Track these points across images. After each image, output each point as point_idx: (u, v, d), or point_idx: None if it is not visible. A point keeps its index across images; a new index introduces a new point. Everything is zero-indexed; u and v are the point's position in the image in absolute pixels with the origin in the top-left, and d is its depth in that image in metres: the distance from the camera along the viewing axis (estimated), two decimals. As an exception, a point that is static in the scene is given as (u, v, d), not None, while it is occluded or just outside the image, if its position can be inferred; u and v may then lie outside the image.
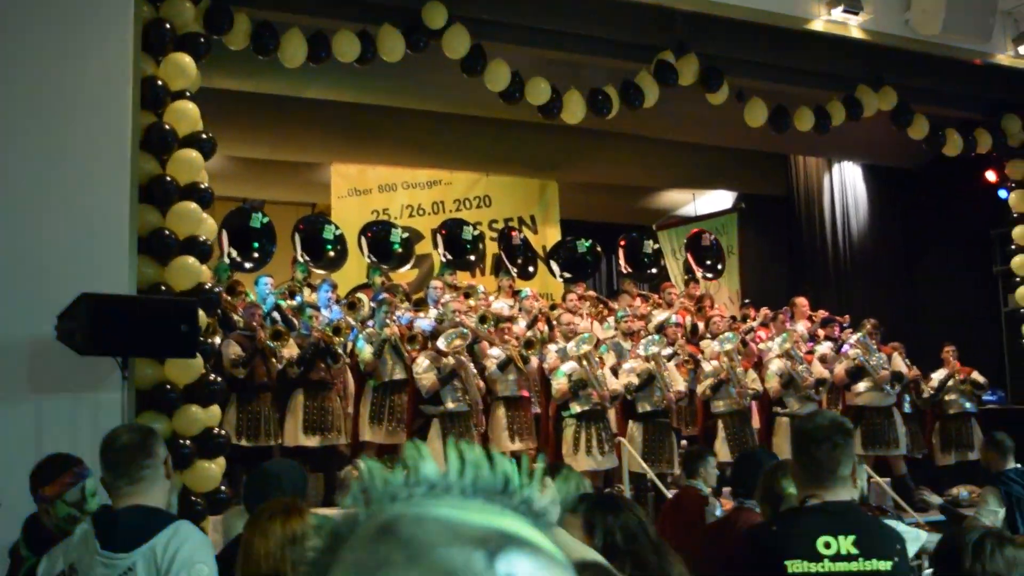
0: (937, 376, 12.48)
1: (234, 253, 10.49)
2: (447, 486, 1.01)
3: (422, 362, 9.80)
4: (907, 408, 12.09)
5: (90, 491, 4.26)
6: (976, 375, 12.43)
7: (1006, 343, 14.30)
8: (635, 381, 10.58)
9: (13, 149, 7.37)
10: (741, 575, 3.56)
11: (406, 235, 12.41)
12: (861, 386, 11.64)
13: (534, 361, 10.54)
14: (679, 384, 10.84)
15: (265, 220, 10.81)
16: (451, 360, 9.77)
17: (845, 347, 11.89)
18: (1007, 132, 13.13)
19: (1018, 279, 13.29)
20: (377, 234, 12.12)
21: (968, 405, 12.41)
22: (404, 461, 1.02)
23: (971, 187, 14.36)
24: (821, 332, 12.65)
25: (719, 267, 14.21)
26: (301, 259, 11.40)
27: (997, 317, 14.52)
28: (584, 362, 10.18)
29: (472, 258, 12.90)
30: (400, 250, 12.16)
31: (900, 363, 11.92)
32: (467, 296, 11.34)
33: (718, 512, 6.65)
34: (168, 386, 7.83)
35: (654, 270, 13.66)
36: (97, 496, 4.25)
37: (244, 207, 11.73)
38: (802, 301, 12.92)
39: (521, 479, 1.03)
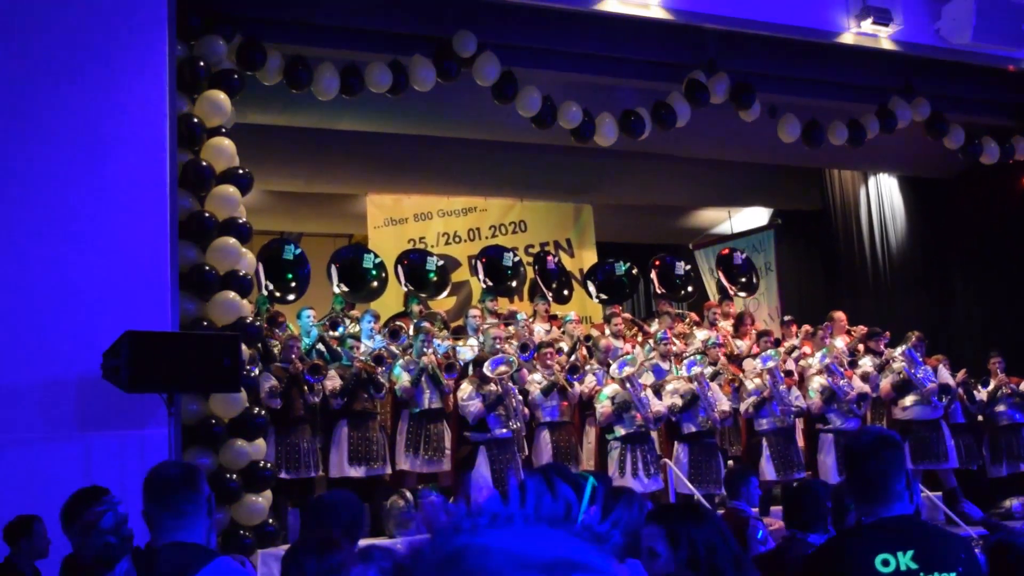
0: (986, 387, 12.33)
1: (271, 286, 10.55)
2: (509, 515, 1.00)
3: (466, 388, 9.79)
4: (960, 418, 11.92)
5: (122, 519, 4.28)
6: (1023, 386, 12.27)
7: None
8: (679, 402, 10.53)
9: (54, 189, 7.47)
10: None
11: (441, 263, 12.42)
12: (908, 400, 11.49)
13: (577, 387, 10.51)
14: (724, 404, 10.77)
15: (298, 252, 10.85)
16: (496, 387, 9.75)
17: (888, 364, 11.76)
18: (1043, 138, 13.03)
19: (1060, 285, 13.13)
20: (412, 262, 12.14)
21: (1018, 416, 12.24)
22: (463, 492, 1.02)
23: (1009, 195, 14.23)
24: (861, 347, 12.53)
25: (753, 284, 14.13)
26: (338, 290, 11.43)
27: (1040, 325, 14.34)
28: (627, 384, 10.14)
29: (513, 284, 12.89)
30: (436, 278, 12.16)
31: (946, 375, 11.78)
32: (507, 324, 11.30)
33: (760, 534, 6.57)
34: (213, 420, 7.88)
35: (688, 290, 13.59)
36: (127, 525, 4.28)
37: (280, 239, 11.79)
38: (840, 316, 12.81)
39: (583, 504, 1.03)
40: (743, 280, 13.96)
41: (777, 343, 11.94)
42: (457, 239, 14.70)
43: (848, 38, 10.81)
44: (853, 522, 3.95)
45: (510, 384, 9.87)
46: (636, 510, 3.46)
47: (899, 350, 11.69)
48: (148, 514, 3.46)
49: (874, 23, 10.67)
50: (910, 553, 3.20)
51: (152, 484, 3.47)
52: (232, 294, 8.12)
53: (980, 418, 12.32)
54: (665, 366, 11.15)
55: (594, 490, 1.10)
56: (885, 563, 3.20)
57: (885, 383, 11.64)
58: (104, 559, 4.16)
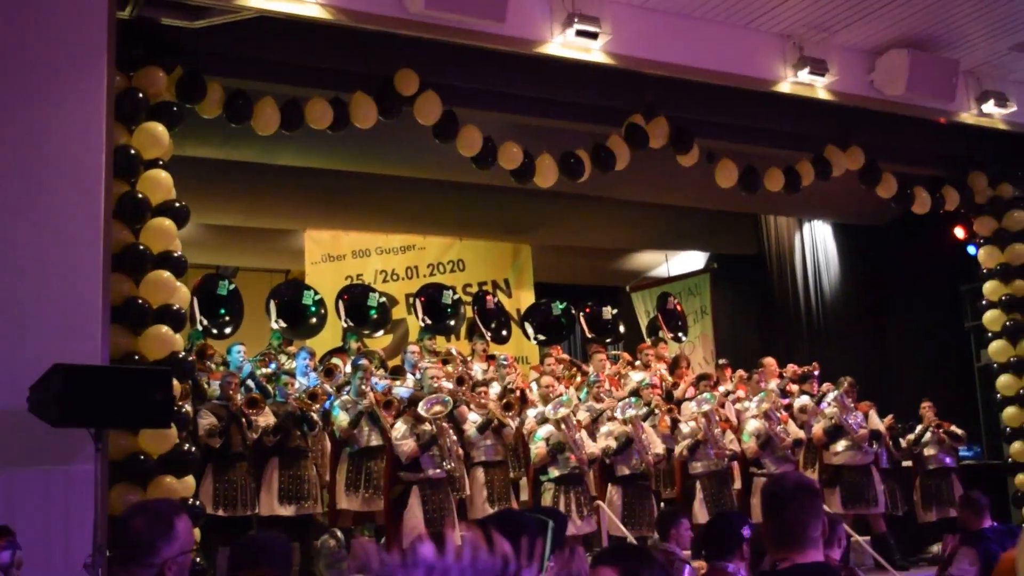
0: (915, 431, 12.50)
1: (205, 321, 10.44)
2: (445, 569, 0.99)
3: (400, 427, 9.71)
4: (884, 463, 12.06)
5: (19, 561, 4.21)
6: (954, 427, 12.44)
7: (980, 398, 14.37)
8: (613, 444, 10.55)
9: (-15, 219, 7.33)
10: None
11: (383, 299, 12.37)
12: (839, 445, 11.61)
13: (511, 425, 10.49)
14: (657, 447, 10.80)
15: (232, 287, 10.77)
16: (430, 426, 9.69)
17: (823, 404, 11.88)
18: (974, 189, 13.32)
19: (990, 334, 13.36)
20: (354, 298, 12.08)
21: (947, 460, 12.40)
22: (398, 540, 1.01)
23: (940, 243, 14.52)
24: (794, 387, 12.67)
25: (683, 331, 14.29)
26: (276, 326, 11.34)
27: (970, 372, 14.61)
28: (562, 426, 10.14)
29: (452, 323, 12.87)
30: (377, 315, 12.11)
31: (877, 421, 11.93)
32: (445, 363, 11.26)
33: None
34: (142, 456, 7.74)
35: (615, 335, 13.67)
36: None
37: (215, 274, 11.68)
38: (769, 361, 12.96)
39: (519, 561, 1.02)
40: (679, 323, 14.11)
41: (715, 386, 12.02)
42: (395, 277, 14.68)
43: (785, 87, 10.99)
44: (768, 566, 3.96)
45: (446, 425, 9.81)
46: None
47: (831, 395, 11.82)
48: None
49: (810, 73, 10.85)
50: (821, 601, 3.22)
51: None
52: (165, 328, 8.01)
53: (909, 463, 12.47)
54: (599, 406, 11.15)
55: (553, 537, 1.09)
56: (798, 608, 3.21)
57: (817, 428, 11.75)
58: None
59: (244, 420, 9.43)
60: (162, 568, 3.18)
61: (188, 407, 8.99)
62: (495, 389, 11.16)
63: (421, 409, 9.69)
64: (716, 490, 10.91)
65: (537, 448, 10.19)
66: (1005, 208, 13.35)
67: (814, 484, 3.50)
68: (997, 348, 13.24)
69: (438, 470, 9.65)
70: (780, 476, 3.82)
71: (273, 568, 3.86)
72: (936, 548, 11.68)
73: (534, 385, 11.34)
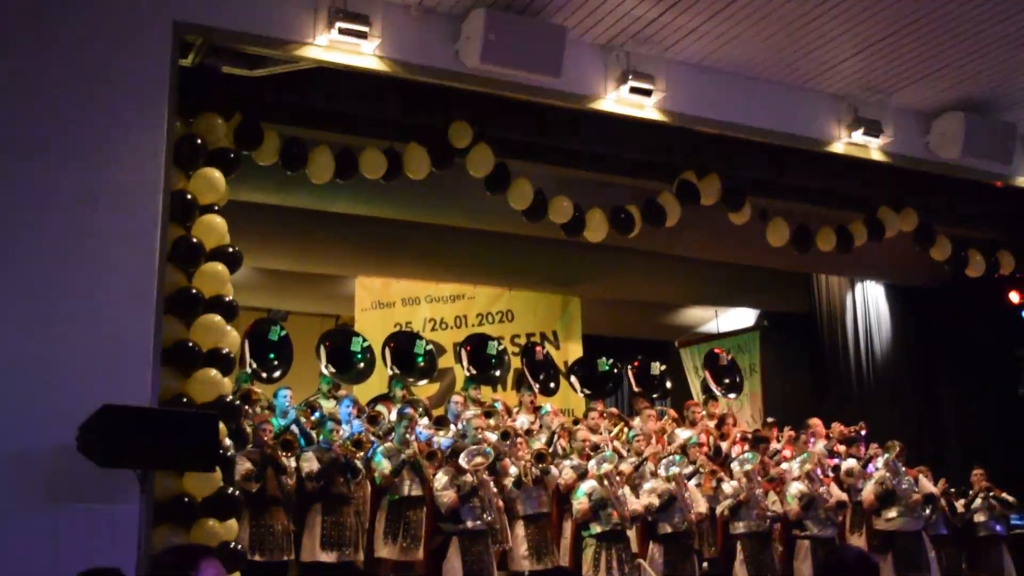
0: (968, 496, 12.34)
1: (254, 365, 10.53)
2: None
3: (441, 478, 9.71)
4: (943, 530, 11.88)
5: None
6: (1005, 495, 12.25)
7: (1033, 465, 14.11)
8: (656, 502, 10.46)
9: (43, 256, 7.44)
10: None
11: (430, 347, 12.41)
12: (892, 511, 11.46)
13: (553, 471, 10.45)
14: (700, 506, 10.70)
15: (283, 333, 10.86)
16: (471, 478, 9.68)
17: (871, 468, 11.73)
18: (1029, 254, 13.15)
19: (1044, 400, 13.17)
20: (400, 345, 12.14)
21: (998, 528, 12.20)
22: None
23: (994, 307, 14.35)
24: (841, 448, 12.53)
25: (737, 385, 14.17)
26: (326, 371, 11.41)
27: (1023, 439, 14.35)
28: (605, 481, 10.08)
29: (497, 373, 12.88)
30: (423, 363, 12.15)
31: (928, 485, 11.77)
32: (488, 415, 11.24)
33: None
34: (186, 499, 7.78)
35: (662, 391, 13.62)
36: None
37: (267, 318, 11.79)
38: (816, 422, 12.82)
39: None
40: (728, 380, 14.00)
41: (763, 441, 11.91)
42: (444, 325, 14.72)
43: (839, 147, 10.94)
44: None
45: (485, 476, 9.79)
46: None
47: (881, 460, 11.68)
48: None
49: (865, 134, 10.80)
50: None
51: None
52: (214, 371, 8.08)
53: (959, 527, 12.28)
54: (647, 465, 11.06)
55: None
56: None
57: (868, 494, 11.59)
58: None
59: (279, 464, 9.44)
60: None
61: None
62: (539, 441, 11.12)
63: (462, 460, 9.69)
64: (757, 551, 10.79)
65: (579, 504, 10.14)
66: (1059, 273, 13.17)
67: (873, 559, 3.50)
68: (1051, 414, 13.05)
69: (478, 522, 9.62)
70: (841, 549, 3.81)
71: None
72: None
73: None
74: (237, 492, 8.46)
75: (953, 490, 12.31)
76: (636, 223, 10.89)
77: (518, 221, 10.74)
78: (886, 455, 11.73)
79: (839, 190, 11.82)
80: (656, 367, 13.55)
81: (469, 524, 9.59)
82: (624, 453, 11.26)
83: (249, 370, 10.39)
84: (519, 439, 10.68)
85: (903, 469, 11.62)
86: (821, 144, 10.91)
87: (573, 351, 15.04)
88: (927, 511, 11.60)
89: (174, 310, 8.00)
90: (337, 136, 9.67)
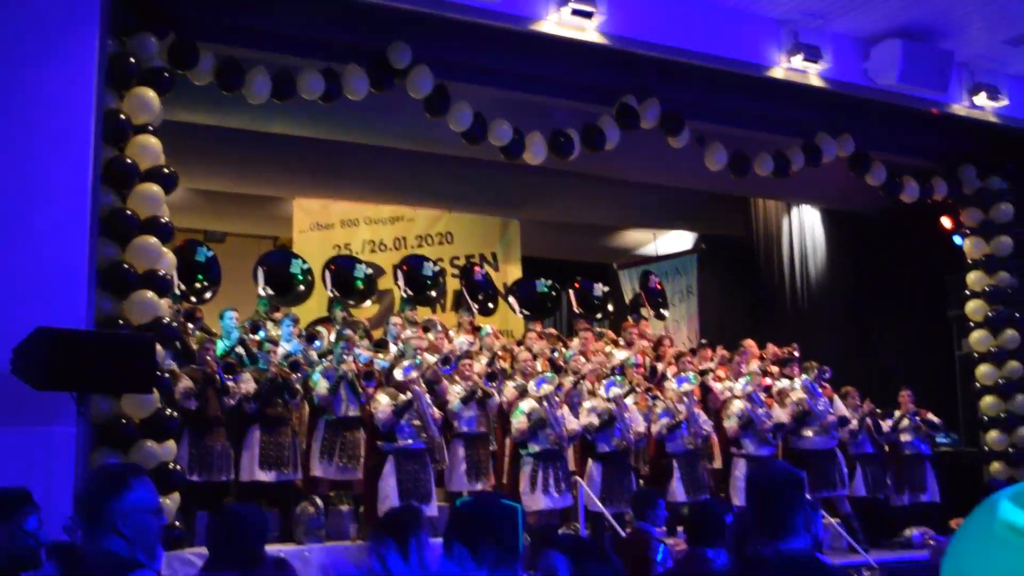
0: (894, 416, 12.63)
1: (183, 287, 10.47)
2: None
3: (382, 399, 9.76)
4: (868, 448, 12.18)
5: (41, 523, 4.31)
6: (931, 416, 12.57)
7: (960, 387, 14.48)
8: (595, 422, 10.60)
9: (-27, 180, 7.34)
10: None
11: (369, 270, 12.39)
12: (808, 431, 11.76)
13: (496, 397, 10.55)
14: (639, 425, 10.87)
15: (210, 254, 10.81)
16: (406, 395, 9.73)
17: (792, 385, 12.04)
18: (962, 180, 13.37)
19: (972, 324, 13.46)
20: (340, 268, 12.11)
21: (923, 447, 12.54)
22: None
23: (927, 233, 14.58)
24: (775, 369, 12.77)
25: (665, 310, 14.40)
26: (264, 293, 11.37)
27: (951, 361, 14.71)
28: (544, 402, 10.20)
29: (433, 294, 12.91)
30: (363, 285, 12.14)
31: (841, 406, 12.05)
32: (426, 330, 11.33)
33: (659, 556, 6.70)
34: (124, 420, 7.79)
35: (603, 312, 13.75)
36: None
37: (194, 241, 11.68)
38: (750, 343, 13.01)
39: None
40: (660, 301, 14.24)
41: (696, 365, 12.10)
42: (383, 247, 14.69)
43: (778, 73, 11.00)
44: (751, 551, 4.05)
45: (421, 389, 9.82)
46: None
47: (799, 381, 11.95)
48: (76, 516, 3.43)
49: (804, 60, 10.88)
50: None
51: (81, 491, 3.43)
52: (150, 293, 8.04)
53: (886, 448, 12.60)
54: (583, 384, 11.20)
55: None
56: (784, 595, 3.30)
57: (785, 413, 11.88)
58: (27, 560, 4.22)
59: (220, 385, 9.45)
60: (113, 524, 3.25)
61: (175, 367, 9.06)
62: (480, 362, 11.21)
63: (397, 374, 9.73)
64: (692, 468, 11.01)
65: (518, 422, 10.25)
66: (992, 200, 13.41)
67: (800, 474, 3.60)
68: (978, 338, 13.36)
69: (413, 441, 9.69)
70: (767, 466, 3.90)
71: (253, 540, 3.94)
72: (909, 532, 11.83)
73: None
74: (175, 413, 8.48)
75: (879, 411, 12.61)
76: (576, 146, 10.90)
77: (458, 143, 10.71)
78: (804, 375, 11.99)
79: (777, 115, 11.92)
80: (599, 288, 13.66)
81: (404, 442, 9.66)
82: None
83: (178, 291, 10.26)
84: (467, 361, 10.74)
85: (820, 389, 11.91)
86: (760, 69, 10.98)
87: (512, 273, 15.10)
88: (840, 432, 11.88)
89: (109, 232, 7.94)
90: (274, 56, 9.55)
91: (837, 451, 11.82)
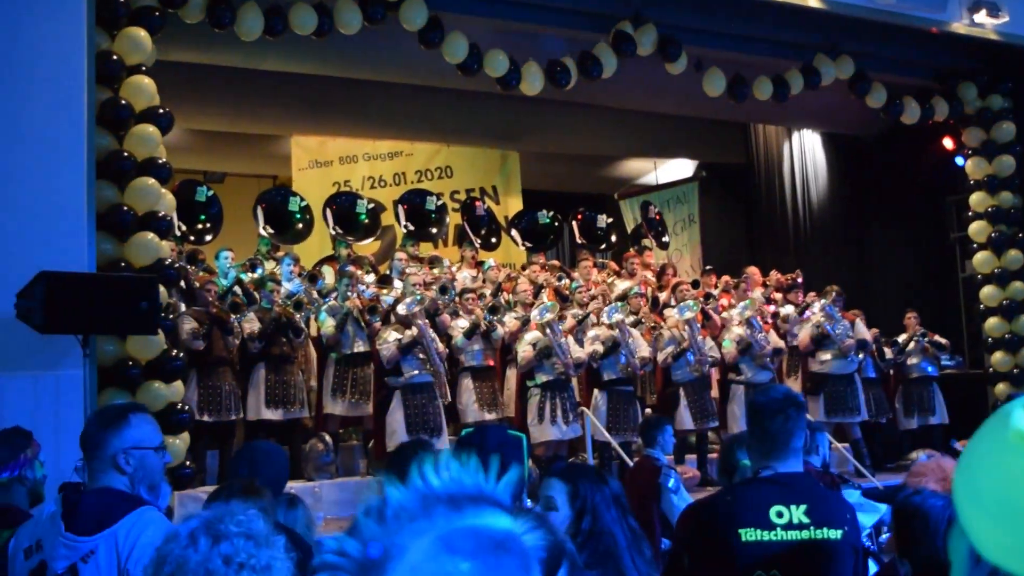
0: (899, 340, 12.64)
1: (183, 227, 10.46)
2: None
3: (387, 336, 9.78)
4: (871, 372, 12.20)
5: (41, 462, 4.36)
6: (938, 337, 12.59)
7: (963, 309, 14.48)
8: (600, 349, 10.62)
9: (-33, 126, 7.30)
10: (698, 543, 3.62)
11: (371, 206, 12.37)
12: (826, 354, 11.74)
13: (499, 330, 10.57)
14: (643, 350, 10.88)
15: (210, 193, 10.78)
16: (412, 331, 9.76)
17: (807, 314, 11.99)
18: (963, 100, 13.25)
19: (975, 245, 13.42)
20: (342, 205, 12.10)
21: (930, 369, 12.57)
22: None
23: (929, 154, 14.51)
24: (778, 296, 12.78)
25: (665, 239, 14.40)
26: (264, 232, 11.36)
27: (955, 283, 14.70)
28: (548, 331, 10.21)
29: (434, 230, 12.90)
30: (366, 221, 12.14)
31: (863, 330, 12.04)
32: (431, 266, 11.35)
33: (671, 483, 6.72)
34: (130, 363, 7.82)
35: (610, 241, 13.76)
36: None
37: (193, 181, 11.64)
38: (753, 270, 13.02)
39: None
40: (660, 231, 14.24)
41: (699, 291, 12.10)
42: (383, 183, 14.65)
43: (775, -6, 10.89)
44: (747, 475, 4.09)
45: (424, 323, 9.84)
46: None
47: (818, 304, 11.91)
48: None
49: (801, -20, 10.76)
50: (803, 508, 3.34)
51: (84, 432, 3.46)
52: (151, 235, 8.02)
53: (891, 372, 12.64)
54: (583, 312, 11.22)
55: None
56: (779, 514, 3.33)
57: (804, 336, 11.85)
58: (33, 497, 4.31)
59: (227, 325, 9.49)
60: (114, 460, 3.28)
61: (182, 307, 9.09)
62: (484, 295, 11.23)
63: (400, 309, 9.76)
64: (699, 396, 11.06)
65: (524, 352, 10.28)
66: (994, 119, 13.30)
67: (799, 397, 3.61)
68: (981, 259, 13.32)
69: (416, 372, 9.72)
70: (767, 388, 3.91)
71: (271, 477, 3.99)
72: (915, 454, 11.89)
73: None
74: (182, 354, 8.51)
75: (884, 338, 12.64)
76: (572, 75, 10.81)
77: (453, 75, 10.62)
78: (823, 300, 11.96)
79: (775, 38, 11.81)
80: (602, 219, 13.64)
81: (409, 374, 9.69)
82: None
83: (178, 232, 10.25)
84: (471, 295, 10.75)
85: (839, 314, 11.87)
86: (757, -10, 10.85)
87: (513, 206, 15.06)
88: (860, 356, 11.90)
89: (106, 174, 7.90)
90: (266, -9, 9.43)
91: (856, 376, 11.82)
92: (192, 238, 10.58)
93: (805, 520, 3.32)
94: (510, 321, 10.65)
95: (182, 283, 9.40)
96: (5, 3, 7.47)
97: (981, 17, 12.04)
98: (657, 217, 14.41)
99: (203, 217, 10.64)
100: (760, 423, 3.50)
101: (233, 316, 9.56)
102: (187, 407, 8.50)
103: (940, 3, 11.33)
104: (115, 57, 8.06)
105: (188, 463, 8.44)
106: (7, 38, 7.43)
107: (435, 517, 1.04)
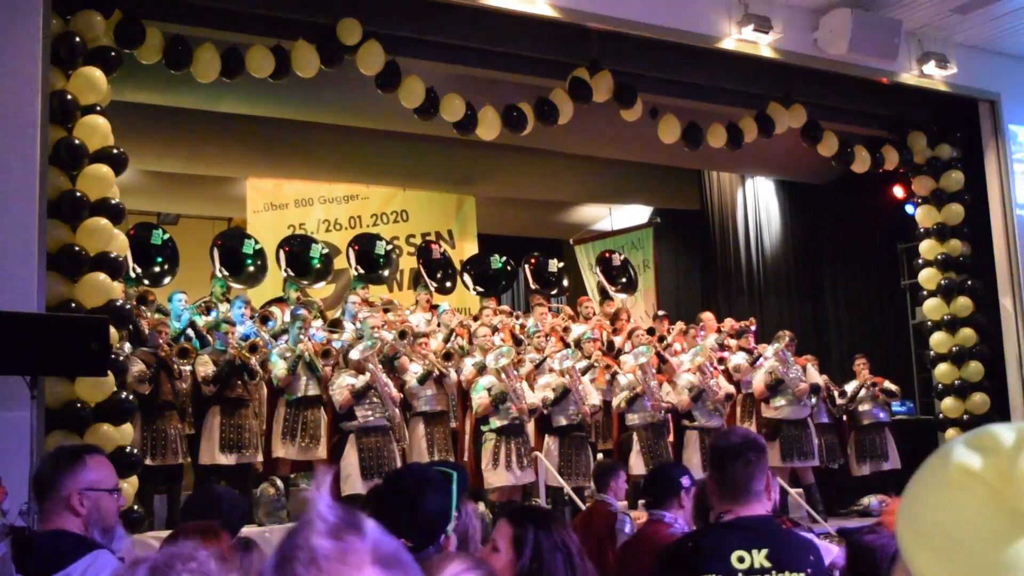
0: (850, 387, 12.71)
1: (139, 270, 10.36)
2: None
3: (340, 381, 9.71)
4: (824, 418, 12.27)
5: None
6: (888, 384, 12.68)
7: (914, 355, 14.63)
8: (550, 395, 10.62)
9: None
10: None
11: (326, 251, 12.33)
12: (780, 400, 11.79)
13: (452, 375, 10.53)
14: (593, 398, 10.89)
15: (166, 236, 10.70)
16: (365, 376, 9.70)
17: (761, 360, 12.04)
18: (913, 149, 13.47)
19: (925, 292, 13.58)
20: (295, 249, 12.04)
21: (881, 415, 12.65)
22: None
23: (879, 202, 14.70)
24: (733, 343, 12.83)
25: (632, 283, 14.41)
26: (220, 274, 11.27)
27: (905, 329, 14.85)
28: (503, 375, 10.19)
29: (384, 273, 12.87)
30: (319, 265, 12.09)
31: (815, 375, 12.12)
32: (386, 311, 11.29)
33: (627, 528, 6.70)
34: (79, 404, 7.69)
35: (559, 287, 13.80)
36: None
37: (149, 223, 11.56)
38: (708, 316, 13.11)
39: None
40: (624, 280, 14.23)
41: (652, 333, 12.13)
42: (338, 226, 14.61)
43: (729, 44, 11.03)
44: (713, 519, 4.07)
45: (377, 367, 9.78)
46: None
47: (771, 350, 11.98)
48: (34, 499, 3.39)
49: (755, 30, 10.91)
50: (764, 551, 3.31)
51: (37, 473, 3.38)
52: (102, 276, 7.93)
53: (844, 418, 12.71)
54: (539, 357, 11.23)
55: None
56: (740, 559, 3.30)
57: (759, 383, 11.89)
58: None
59: (175, 369, 9.37)
60: (68, 502, 3.20)
61: (128, 348, 8.97)
62: (436, 340, 11.19)
63: (353, 354, 9.70)
64: (653, 442, 11.04)
65: (480, 398, 10.24)
66: (943, 168, 13.52)
67: (760, 440, 3.60)
68: (931, 306, 13.47)
69: (371, 417, 9.66)
70: (728, 431, 3.90)
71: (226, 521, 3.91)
72: (867, 500, 11.95)
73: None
74: (131, 396, 8.39)
75: (834, 386, 12.73)
76: (529, 121, 10.87)
77: (411, 119, 10.64)
78: (776, 344, 12.03)
79: (729, 87, 11.94)
80: (554, 264, 13.69)
81: (364, 417, 9.62)
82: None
83: (133, 275, 10.17)
84: (423, 339, 10.73)
85: (792, 359, 11.94)
86: (712, 40, 11.00)
87: (469, 250, 15.06)
88: (812, 400, 11.96)
89: (58, 214, 7.81)
90: (222, 33, 9.41)
91: (809, 421, 11.88)
92: (147, 281, 10.47)
93: (767, 564, 3.30)
94: (467, 368, 10.62)
95: (130, 325, 9.28)
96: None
97: (930, 68, 12.30)
98: (615, 263, 14.41)
99: (159, 260, 10.55)
100: (721, 467, 3.48)
101: (180, 360, 9.45)
102: (135, 450, 8.37)
103: (890, 54, 11.52)
104: (70, 97, 7.99)
105: (136, 507, 8.30)
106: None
107: None
